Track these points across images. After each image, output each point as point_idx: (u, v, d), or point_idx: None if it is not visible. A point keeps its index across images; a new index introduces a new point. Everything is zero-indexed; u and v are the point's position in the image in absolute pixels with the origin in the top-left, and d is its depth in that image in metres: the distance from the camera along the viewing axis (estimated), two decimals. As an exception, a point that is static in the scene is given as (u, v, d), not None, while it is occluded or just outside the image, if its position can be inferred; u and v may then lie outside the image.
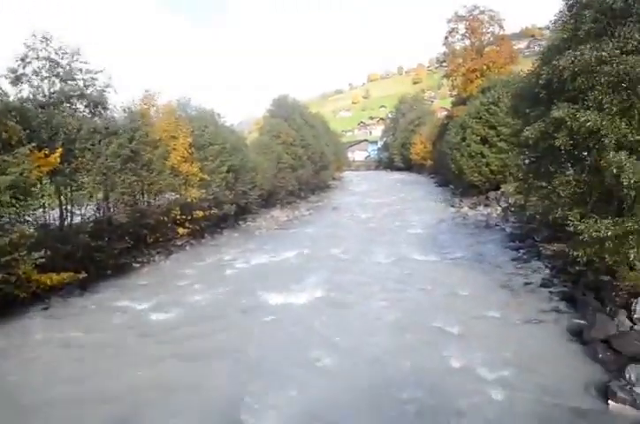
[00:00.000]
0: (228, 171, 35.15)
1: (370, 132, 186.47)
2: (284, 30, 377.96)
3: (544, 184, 14.61)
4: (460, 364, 12.27)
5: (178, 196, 31.17)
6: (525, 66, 19.48)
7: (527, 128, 14.08)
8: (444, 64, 58.82)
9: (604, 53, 12.34)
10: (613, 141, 12.46)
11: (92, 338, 15.44)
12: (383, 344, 13.83)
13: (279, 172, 47.49)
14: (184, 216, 30.88)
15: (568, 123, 12.75)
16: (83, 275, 20.44)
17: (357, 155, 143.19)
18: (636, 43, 12.29)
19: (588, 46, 12.64)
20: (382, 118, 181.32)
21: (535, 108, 14.56)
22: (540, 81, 13.92)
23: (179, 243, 30.69)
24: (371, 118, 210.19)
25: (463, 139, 42.35)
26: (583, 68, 12.57)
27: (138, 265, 25.64)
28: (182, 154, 30.84)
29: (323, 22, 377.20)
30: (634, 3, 12.47)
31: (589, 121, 12.43)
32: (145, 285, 21.96)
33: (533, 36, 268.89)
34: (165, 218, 29.47)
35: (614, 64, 12.29)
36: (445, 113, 76.39)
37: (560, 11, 14.20)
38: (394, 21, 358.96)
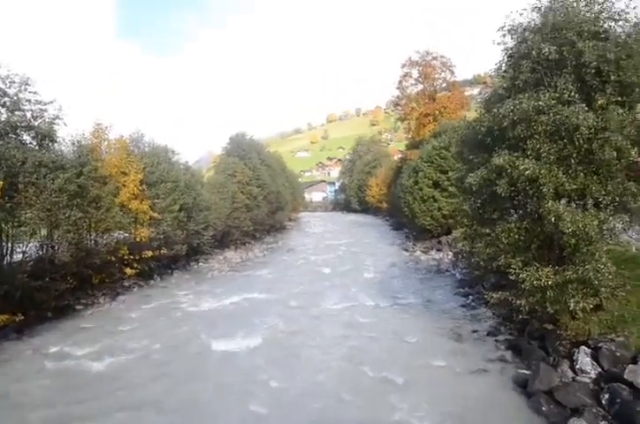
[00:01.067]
0: (180, 210, 34.42)
1: (329, 173, 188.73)
2: (246, 68, 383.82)
3: (488, 230, 14.66)
4: (401, 416, 11.78)
5: (126, 235, 30.23)
6: (477, 112, 19.95)
7: (470, 175, 14.21)
8: (399, 107, 60.22)
9: (541, 103, 12.68)
10: (552, 190, 12.65)
11: (20, 388, 14.35)
12: (325, 395, 13.27)
13: (234, 212, 46.91)
14: (132, 256, 29.78)
15: (509, 170, 12.93)
16: (20, 317, 19.26)
17: (315, 196, 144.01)
18: (571, 94, 12.66)
19: (526, 95, 12.98)
20: (340, 159, 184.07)
21: (478, 154, 14.77)
22: (483, 129, 14.17)
23: (126, 284, 29.54)
24: (329, 159, 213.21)
25: (416, 182, 42.93)
26: (522, 117, 12.87)
27: (81, 307, 24.43)
28: (132, 191, 30.10)
29: (285, 60, 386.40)
30: (568, 55, 12.91)
31: (527, 169, 12.64)
32: (87, 329, 20.86)
33: (485, 83, 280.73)
34: (112, 258, 28.39)
35: (551, 114, 12.63)
36: (401, 156, 78.04)
37: (500, 61, 14.62)
38: (354, 62, 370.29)
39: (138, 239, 30.18)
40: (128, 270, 29.54)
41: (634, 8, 13.30)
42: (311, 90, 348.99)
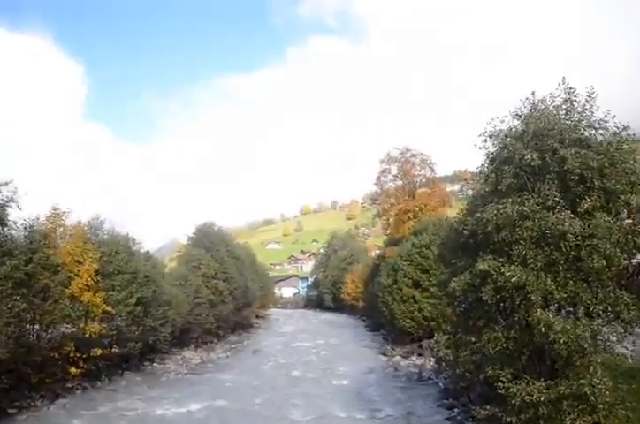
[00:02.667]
0: (137, 304, 33.73)
1: (301, 267, 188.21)
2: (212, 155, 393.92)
3: (473, 339, 14.64)
4: None
5: (74, 329, 29.28)
6: (458, 209, 20.65)
7: (454, 279, 14.44)
8: (377, 202, 61.81)
9: (525, 208, 13.26)
10: (540, 298, 12.86)
11: None
12: None
13: (196, 307, 46.08)
14: (79, 354, 28.66)
15: (494, 276, 13.19)
16: None
17: (286, 292, 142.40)
18: (555, 199, 13.33)
19: (510, 200, 13.60)
20: (314, 253, 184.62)
21: (461, 258, 15.12)
22: (466, 231, 14.63)
23: (69, 385, 28.15)
24: (302, 252, 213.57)
25: (395, 281, 43.14)
26: (507, 222, 13.38)
27: (14, 411, 23.20)
28: (86, 281, 29.62)
29: (257, 149, 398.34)
30: (551, 161, 13.77)
31: (514, 276, 12.92)
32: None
33: (465, 180, 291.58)
34: (56, 355, 27.29)
35: (536, 220, 13.17)
36: (379, 252, 78.76)
37: (482, 164, 15.46)
38: (330, 154, 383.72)
39: (87, 335, 29.21)
40: (73, 370, 28.29)
41: (613, 117, 14.45)
42: (285, 179, 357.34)
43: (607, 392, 12.47)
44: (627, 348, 17.02)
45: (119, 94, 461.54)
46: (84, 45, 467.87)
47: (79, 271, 29.48)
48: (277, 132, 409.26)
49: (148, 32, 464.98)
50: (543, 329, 12.41)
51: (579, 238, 12.84)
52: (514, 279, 12.92)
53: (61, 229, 30.78)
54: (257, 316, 77.87)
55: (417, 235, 44.45)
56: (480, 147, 15.20)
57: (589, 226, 12.89)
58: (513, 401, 12.81)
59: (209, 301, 48.63)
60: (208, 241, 56.89)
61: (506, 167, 14.22)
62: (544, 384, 12.74)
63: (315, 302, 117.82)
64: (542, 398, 12.44)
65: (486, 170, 15.21)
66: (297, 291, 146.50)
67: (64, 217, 30.71)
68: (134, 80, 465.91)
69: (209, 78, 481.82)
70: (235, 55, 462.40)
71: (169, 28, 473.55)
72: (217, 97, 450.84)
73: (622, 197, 13.42)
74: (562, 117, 14.52)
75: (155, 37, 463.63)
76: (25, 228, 26.37)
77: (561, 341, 12.26)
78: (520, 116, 14.92)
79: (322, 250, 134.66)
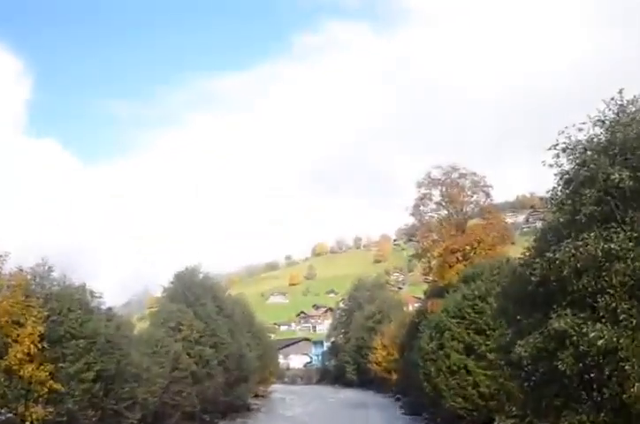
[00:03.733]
0: (95, 379, 33.57)
1: (314, 328, 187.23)
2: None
3: (548, 424, 14.37)
4: None
5: (11, 415, 29.20)
6: (523, 247, 20.18)
7: (519, 342, 14.25)
8: (415, 238, 61.53)
9: (613, 245, 13.12)
10: (638, 367, 12.58)
11: None
12: None
13: (174, 383, 45.72)
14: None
15: (574, 338, 12.96)
16: None
17: (294, 361, 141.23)
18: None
19: (592, 234, 13.47)
20: (331, 309, 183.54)
21: (529, 313, 14.93)
22: (534, 277, 14.47)
23: None
24: (316, 308, 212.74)
25: (440, 346, 42.52)
26: (588, 264, 13.23)
27: None
28: (28, 349, 29.47)
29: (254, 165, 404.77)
30: (648, 182, 13.59)
31: (601, 338, 12.73)
32: None
33: (532, 207, 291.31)
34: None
35: (629, 261, 12.97)
36: (418, 306, 77.95)
37: (555, 187, 15.35)
38: (351, 177, 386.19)
39: (27, 423, 29.04)
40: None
41: None
42: (292, 211, 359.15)
43: None
44: None
45: (74, 97, 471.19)
46: (24, 34, 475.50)
47: (18, 336, 29.37)
48: (279, 148, 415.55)
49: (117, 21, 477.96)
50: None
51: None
52: (600, 342, 12.73)
53: (-6, 279, 30.87)
54: (256, 395, 76.89)
55: (469, 283, 44.09)
56: (551, 165, 15.14)
57: None
58: None
59: (191, 374, 48.17)
60: (190, 293, 56.70)
61: (587, 190, 14.18)
62: None
63: (333, 375, 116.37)
64: None
65: (560, 194, 15.11)
66: (309, 359, 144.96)
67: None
68: (93, 81, 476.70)
69: (193, 78, 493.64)
70: (222, 49, 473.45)
71: (142, 16, 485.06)
72: (204, 102, 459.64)
73: None
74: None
75: (126, 26, 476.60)
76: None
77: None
78: (603, 122, 14.87)
79: (341, 304, 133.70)
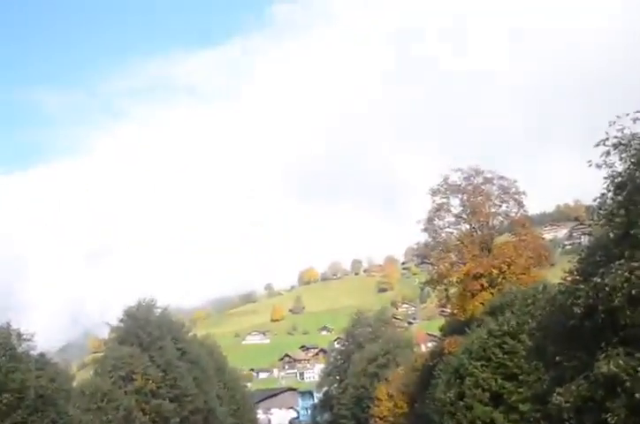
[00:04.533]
0: (24, 445, 33.17)
1: (301, 375, 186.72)
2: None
3: None
4: None
5: None
6: (564, 270, 19.87)
7: (559, 390, 14.01)
8: (429, 260, 61.41)
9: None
10: None
11: None
12: None
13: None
14: None
15: (627, 384, 12.69)
16: None
17: (277, 416, 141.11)
18: None
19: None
20: (323, 350, 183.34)
21: (570, 353, 14.71)
22: (577, 309, 14.24)
23: None
24: (304, 349, 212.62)
25: (461, 395, 42.30)
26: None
27: None
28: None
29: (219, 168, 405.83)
30: None
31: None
32: None
33: (577, 220, 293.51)
34: None
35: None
36: (432, 345, 77.66)
37: (604, 194, 15.15)
38: (349, 186, 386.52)
39: None
40: None
41: None
42: (273, 227, 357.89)
43: None
44: None
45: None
46: None
47: None
48: (256, 145, 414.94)
49: None
50: None
51: None
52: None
53: None
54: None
55: (496, 316, 43.96)
56: (599, 165, 14.95)
57: None
58: None
59: (146, 436, 48.00)
60: (145, 334, 56.34)
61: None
62: None
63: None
64: None
65: (610, 202, 14.87)
66: (296, 414, 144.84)
67: None
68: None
69: (141, 61, 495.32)
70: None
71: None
72: (154, 93, 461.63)
73: None
74: None
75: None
76: None
77: None
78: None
79: (337, 344, 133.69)
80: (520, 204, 57.86)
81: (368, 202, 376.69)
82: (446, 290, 58.78)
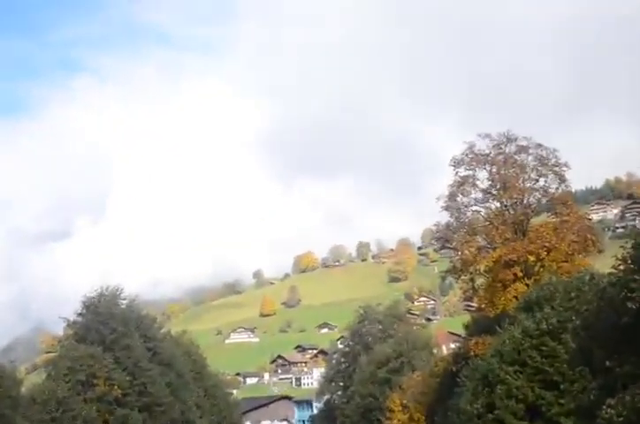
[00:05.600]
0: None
1: (298, 381, 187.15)
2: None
3: None
4: None
5: None
6: (615, 257, 19.74)
7: (609, 402, 14.10)
8: (451, 244, 61.45)
9: None
10: None
11: None
12: None
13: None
14: None
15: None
16: None
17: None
18: None
19: None
20: (323, 351, 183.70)
21: (623, 357, 14.77)
22: (631, 304, 14.29)
23: None
24: (300, 350, 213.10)
25: (490, 407, 42.40)
26: None
27: None
28: None
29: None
30: None
31: None
32: None
33: (631, 197, 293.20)
34: None
35: None
36: (456, 346, 77.85)
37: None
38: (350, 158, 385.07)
39: None
40: None
41: None
42: (262, 204, 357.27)
43: None
44: None
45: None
46: None
47: None
48: (243, 101, 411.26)
49: None
50: None
51: None
52: None
53: None
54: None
55: (533, 311, 43.98)
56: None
57: None
58: None
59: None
60: (108, 330, 56.25)
61: None
62: None
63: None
64: None
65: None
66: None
67: None
68: None
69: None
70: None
71: None
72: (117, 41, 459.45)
73: None
74: None
75: None
76: None
77: None
78: None
79: (340, 345, 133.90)
80: (561, 178, 57.67)
81: (375, 176, 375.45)
82: (472, 280, 58.88)
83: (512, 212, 57.49)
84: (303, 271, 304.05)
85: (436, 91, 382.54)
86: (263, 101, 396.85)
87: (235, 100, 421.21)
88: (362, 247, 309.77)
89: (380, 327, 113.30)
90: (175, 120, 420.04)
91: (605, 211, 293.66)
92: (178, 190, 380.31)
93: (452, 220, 59.44)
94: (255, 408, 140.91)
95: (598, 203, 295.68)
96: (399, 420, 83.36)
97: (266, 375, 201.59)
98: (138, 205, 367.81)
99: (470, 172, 57.81)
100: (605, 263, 34.49)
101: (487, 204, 58.51)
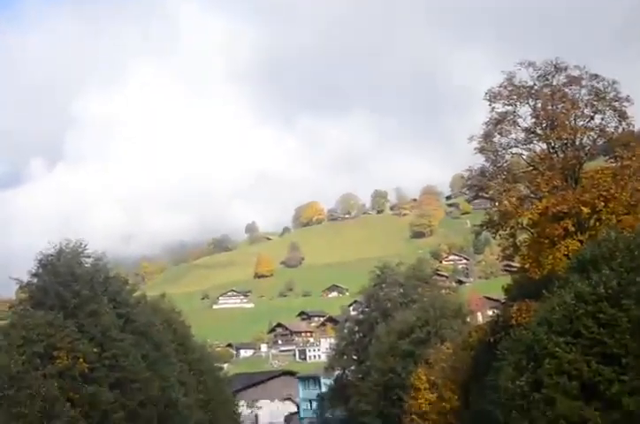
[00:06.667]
0: None
1: (302, 354, 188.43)
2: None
3: None
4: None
5: None
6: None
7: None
8: (487, 193, 61.25)
9: None
10: None
11: None
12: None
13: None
14: None
15: None
16: None
17: (268, 412, 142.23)
18: None
19: None
20: (331, 319, 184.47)
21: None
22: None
23: None
24: (304, 317, 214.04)
25: (537, 384, 42.30)
26: None
27: None
28: None
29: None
30: None
31: None
32: None
33: None
34: None
35: None
36: (493, 313, 78.00)
37: None
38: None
39: None
40: None
41: None
42: (257, 143, 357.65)
43: None
44: None
45: None
46: None
47: None
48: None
49: None
50: None
51: None
52: None
53: None
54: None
55: (589, 272, 43.81)
56: None
57: None
58: None
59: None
60: (70, 293, 56.18)
61: None
62: None
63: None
64: None
65: None
66: (295, 408, 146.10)
67: None
68: None
69: None
70: None
71: None
72: None
73: None
74: None
75: None
76: None
77: None
78: None
79: (352, 311, 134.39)
80: (622, 115, 57.22)
81: (393, 111, 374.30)
82: (513, 236, 58.79)
83: (561, 155, 57.14)
84: (306, 225, 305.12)
85: (466, 12, 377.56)
86: (253, 21, 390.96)
87: (219, 23, 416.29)
88: (379, 197, 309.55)
89: (401, 290, 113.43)
90: (150, 47, 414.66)
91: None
92: (153, 128, 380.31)
93: (487, 164, 59.17)
94: (251, 385, 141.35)
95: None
96: (426, 400, 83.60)
97: (263, 347, 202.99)
98: (103, 144, 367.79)
99: (510, 108, 57.46)
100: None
101: (530, 146, 58.23)
